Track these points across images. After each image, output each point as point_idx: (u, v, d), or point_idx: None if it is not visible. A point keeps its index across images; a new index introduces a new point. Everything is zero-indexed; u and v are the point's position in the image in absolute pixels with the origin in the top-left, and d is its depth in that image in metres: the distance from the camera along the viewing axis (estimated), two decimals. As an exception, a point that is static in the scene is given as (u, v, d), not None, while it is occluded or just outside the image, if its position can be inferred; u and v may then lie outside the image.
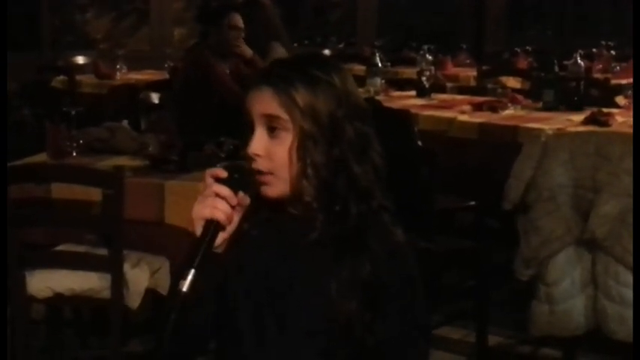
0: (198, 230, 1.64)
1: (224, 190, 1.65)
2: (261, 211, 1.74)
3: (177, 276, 1.59)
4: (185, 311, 1.60)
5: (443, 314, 4.08)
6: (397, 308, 1.70)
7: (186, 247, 1.64)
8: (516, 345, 4.11)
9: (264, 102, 1.70)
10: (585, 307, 3.37)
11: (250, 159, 1.70)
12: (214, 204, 1.64)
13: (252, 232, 1.74)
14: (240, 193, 1.67)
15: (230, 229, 1.67)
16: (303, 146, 1.68)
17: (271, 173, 1.70)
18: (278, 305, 1.71)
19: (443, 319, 4.06)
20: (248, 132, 1.72)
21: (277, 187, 1.70)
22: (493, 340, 4.06)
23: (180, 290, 1.57)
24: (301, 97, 1.68)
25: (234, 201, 1.66)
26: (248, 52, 5.29)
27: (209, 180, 1.67)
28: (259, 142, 1.70)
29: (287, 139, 1.69)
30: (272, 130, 1.70)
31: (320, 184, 1.68)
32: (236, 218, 1.68)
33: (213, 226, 1.64)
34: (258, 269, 1.73)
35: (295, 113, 1.68)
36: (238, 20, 5.23)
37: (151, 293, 3.28)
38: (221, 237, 1.66)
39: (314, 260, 1.70)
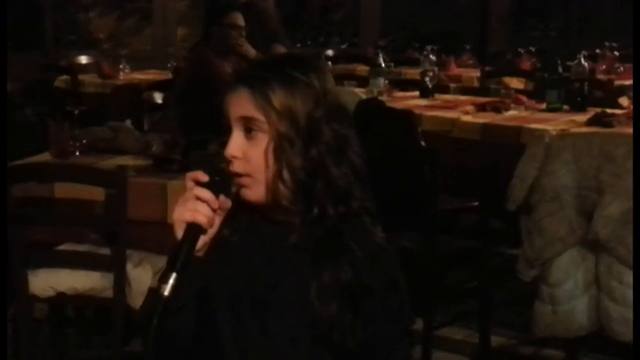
0: (179, 234, 1.62)
1: (205, 194, 1.63)
2: (241, 217, 1.72)
3: (160, 280, 1.58)
4: (168, 315, 1.58)
5: (446, 315, 4.07)
6: (379, 310, 1.68)
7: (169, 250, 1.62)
8: (519, 346, 4.11)
9: (241, 104, 1.68)
10: (588, 308, 3.37)
11: (228, 161, 1.68)
12: (195, 207, 1.62)
13: (232, 238, 1.72)
14: (222, 197, 1.65)
15: (211, 232, 1.65)
16: (279, 148, 1.66)
17: (249, 175, 1.68)
18: (260, 311, 1.69)
19: (446, 319, 4.05)
20: (225, 134, 1.70)
21: (255, 190, 1.68)
22: (496, 340, 4.06)
23: (162, 294, 1.56)
24: (278, 98, 1.66)
25: (215, 204, 1.64)
26: (251, 51, 5.29)
27: (189, 183, 1.65)
28: (236, 144, 1.68)
29: (263, 141, 1.67)
30: (249, 131, 1.68)
31: (297, 186, 1.66)
32: (217, 222, 1.66)
33: (194, 230, 1.62)
34: (240, 275, 1.71)
35: (271, 115, 1.66)
36: (239, 19, 5.23)
37: (153, 293, 3.27)
38: (202, 240, 1.64)
39: (294, 264, 1.68)
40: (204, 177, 1.64)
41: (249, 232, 1.73)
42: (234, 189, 1.68)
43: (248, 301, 1.70)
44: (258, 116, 1.66)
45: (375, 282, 1.67)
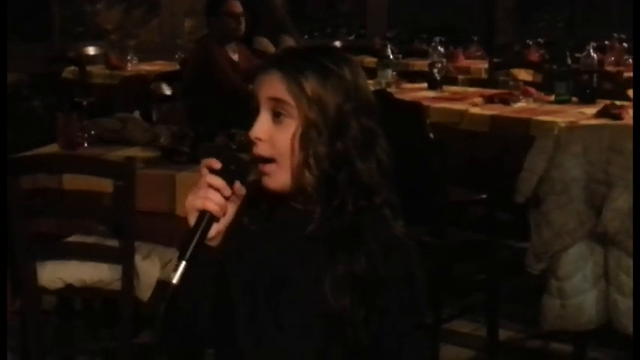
0: (192, 221, 1.61)
1: (217, 181, 1.62)
2: (261, 205, 1.72)
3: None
4: (179, 303, 1.58)
5: (453, 308, 4.07)
6: (395, 305, 1.67)
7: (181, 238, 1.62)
8: (527, 339, 4.10)
9: (272, 85, 1.67)
10: (597, 301, 3.36)
11: (252, 143, 1.68)
12: (207, 195, 1.61)
13: (251, 227, 1.72)
14: (237, 184, 1.64)
15: (225, 220, 1.64)
16: (306, 135, 1.65)
17: (273, 161, 1.67)
18: (273, 300, 1.69)
19: (453, 312, 4.05)
20: (252, 116, 1.70)
21: (279, 177, 1.67)
22: (504, 334, 4.06)
23: (171, 282, 1.55)
24: (310, 85, 1.66)
25: (227, 192, 1.62)
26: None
27: (203, 170, 1.64)
28: (262, 126, 1.68)
29: (291, 127, 1.66)
30: (277, 115, 1.67)
31: (321, 175, 1.65)
32: (231, 210, 1.65)
33: (205, 218, 1.61)
34: (257, 263, 1.71)
35: (302, 101, 1.65)
36: (235, 6, 5.23)
37: (161, 285, 3.27)
38: (215, 229, 1.63)
39: (310, 255, 1.68)
40: (217, 164, 1.63)
41: (268, 221, 1.73)
42: (254, 176, 1.67)
43: (263, 290, 1.70)
44: (289, 100, 1.66)
45: (390, 275, 1.66)
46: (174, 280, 1.55)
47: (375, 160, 1.70)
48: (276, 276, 1.69)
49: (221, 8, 5.20)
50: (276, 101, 1.67)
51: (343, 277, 1.64)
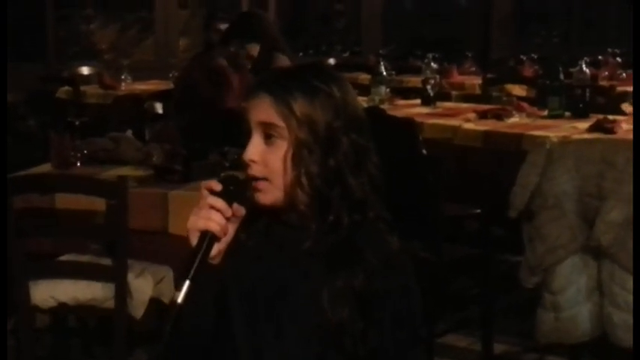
0: (194, 242, 1.66)
1: (218, 203, 1.66)
2: (257, 222, 1.75)
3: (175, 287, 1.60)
4: (181, 322, 1.60)
5: (448, 322, 4.06)
6: (392, 318, 1.69)
7: (184, 258, 1.65)
8: (522, 353, 4.10)
9: (262, 109, 1.71)
10: (591, 314, 3.36)
11: (246, 165, 1.71)
12: (209, 216, 1.65)
13: (248, 243, 1.74)
14: (235, 205, 1.68)
15: (225, 240, 1.68)
16: (298, 155, 1.69)
17: (266, 179, 1.70)
18: (273, 314, 1.71)
19: (448, 327, 4.04)
20: (245, 139, 1.73)
21: (271, 194, 1.71)
22: (499, 348, 4.05)
23: (175, 301, 1.58)
24: (299, 106, 1.69)
25: (228, 213, 1.67)
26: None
27: (204, 192, 1.68)
28: (255, 149, 1.71)
29: (282, 147, 1.70)
30: (268, 137, 1.71)
31: (314, 193, 1.69)
32: (231, 230, 1.69)
33: (208, 238, 1.65)
34: (255, 278, 1.73)
35: (292, 122, 1.69)
36: (256, 51, 5.31)
37: (155, 303, 3.27)
38: (216, 248, 1.67)
39: (308, 269, 1.70)
40: (217, 186, 1.67)
41: (265, 236, 1.76)
42: (249, 194, 1.71)
43: (262, 304, 1.72)
44: (279, 122, 1.69)
45: (388, 289, 1.69)
46: (179, 300, 1.59)
47: (367, 175, 1.72)
48: (274, 290, 1.72)
49: (244, 45, 5.29)
50: (267, 125, 1.70)
51: (342, 291, 1.67)
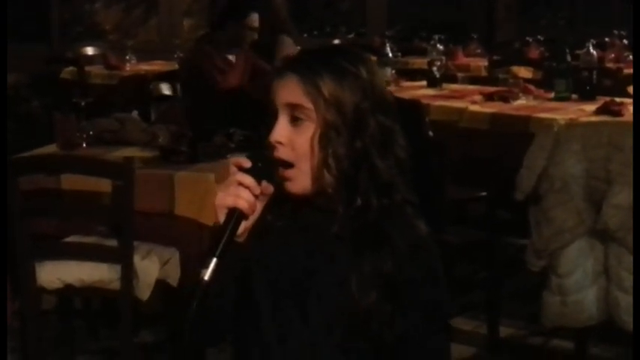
0: (221, 218, 1.63)
1: (247, 180, 1.63)
2: (285, 204, 1.73)
3: (199, 264, 1.58)
4: (206, 300, 1.58)
5: (454, 306, 4.06)
6: (419, 302, 1.68)
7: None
8: (528, 336, 4.10)
9: (289, 90, 1.69)
10: (597, 298, 3.36)
11: (272, 147, 1.69)
12: (237, 193, 1.62)
13: (276, 224, 1.73)
14: (264, 183, 1.65)
15: (253, 218, 1.66)
16: (325, 136, 1.66)
17: (293, 165, 1.68)
18: (299, 298, 1.70)
19: (454, 310, 4.04)
20: (270, 120, 1.71)
21: (300, 182, 1.69)
22: (505, 331, 4.05)
23: (202, 279, 1.56)
24: (327, 87, 1.67)
25: (257, 190, 1.64)
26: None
27: (233, 169, 1.65)
28: (281, 131, 1.69)
29: (310, 129, 1.67)
30: (295, 119, 1.69)
31: (341, 176, 1.67)
32: (259, 207, 1.66)
33: (236, 215, 1.62)
34: (281, 261, 1.72)
35: (320, 103, 1.67)
36: (255, 20, 5.22)
37: (160, 284, 3.27)
38: (243, 226, 1.64)
39: (335, 253, 1.69)
40: (247, 163, 1.65)
41: (293, 219, 1.74)
42: (277, 179, 1.68)
43: (288, 287, 1.71)
44: (307, 104, 1.67)
45: (416, 274, 1.68)
46: (206, 277, 1.56)
47: (394, 158, 1.71)
48: (301, 273, 1.71)
49: (243, 18, 5.19)
50: (294, 106, 1.69)
51: (370, 275, 1.66)
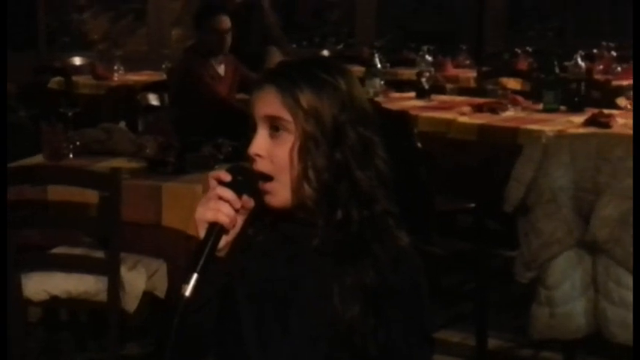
0: (202, 233, 1.62)
1: (227, 194, 1.62)
2: (266, 217, 1.72)
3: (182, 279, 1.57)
4: (188, 315, 1.58)
5: (442, 317, 4.05)
6: (402, 314, 1.67)
7: (184, 250, 1.63)
8: (516, 348, 4.09)
9: (268, 102, 1.68)
10: (586, 310, 3.35)
11: (251, 160, 1.68)
12: (217, 207, 1.62)
13: (257, 238, 1.72)
14: (245, 197, 1.65)
15: (233, 232, 1.65)
16: (304, 148, 1.66)
17: (272, 178, 1.67)
18: (281, 310, 1.69)
19: (442, 321, 4.03)
20: (250, 133, 1.70)
21: (280, 195, 1.68)
22: (493, 343, 4.04)
23: (183, 294, 1.55)
24: (306, 98, 1.66)
25: (237, 204, 1.63)
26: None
27: (212, 182, 1.64)
28: (260, 143, 1.68)
29: (288, 141, 1.67)
30: (274, 130, 1.68)
31: (321, 187, 1.66)
32: (240, 221, 1.66)
33: (216, 230, 1.61)
34: (263, 274, 1.71)
35: (298, 114, 1.66)
36: (222, 22, 5.18)
37: (148, 296, 3.26)
38: (224, 240, 1.64)
39: (318, 266, 1.68)
40: (226, 176, 1.64)
41: (274, 232, 1.73)
42: (258, 191, 1.68)
43: (270, 300, 1.70)
44: (285, 115, 1.67)
45: (398, 286, 1.67)
46: (187, 293, 1.55)
47: (374, 169, 1.70)
48: (283, 286, 1.70)
49: (208, 23, 5.17)
50: (273, 117, 1.68)
51: (352, 287, 1.65)
